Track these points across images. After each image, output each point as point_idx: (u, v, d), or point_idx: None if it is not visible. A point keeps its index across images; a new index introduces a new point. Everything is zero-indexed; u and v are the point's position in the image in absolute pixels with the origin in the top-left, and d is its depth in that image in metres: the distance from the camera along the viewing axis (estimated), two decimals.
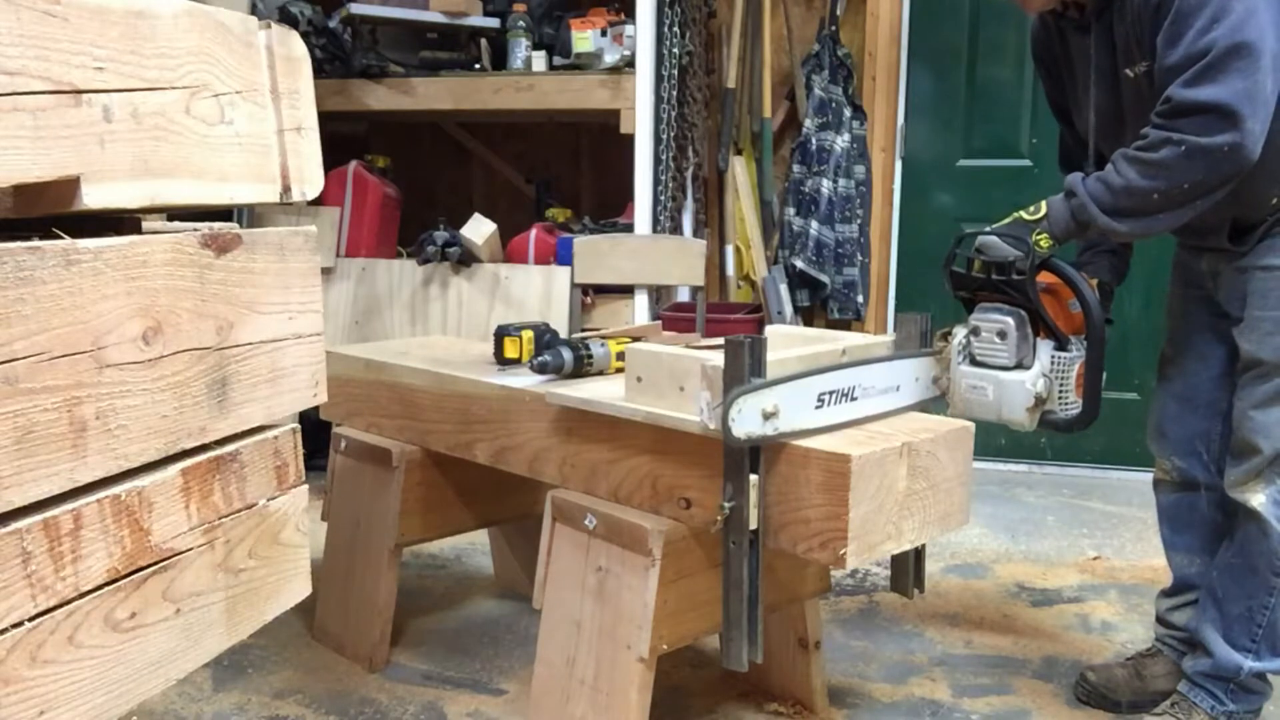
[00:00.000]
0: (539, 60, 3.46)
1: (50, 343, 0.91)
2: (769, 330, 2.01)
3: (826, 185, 3.86)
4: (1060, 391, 1.78)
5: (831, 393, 1.58)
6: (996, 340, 1.77)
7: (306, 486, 1.31)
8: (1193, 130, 1.61)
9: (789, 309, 3.88)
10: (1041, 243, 1.75)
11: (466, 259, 3.44)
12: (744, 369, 1.49)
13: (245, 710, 2.10)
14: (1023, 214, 1.80)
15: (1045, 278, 1.80)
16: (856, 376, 1.62)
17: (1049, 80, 2.05)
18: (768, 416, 1.49)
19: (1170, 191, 1.65)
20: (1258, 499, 1.84)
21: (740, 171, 3.99)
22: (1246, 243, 1.83)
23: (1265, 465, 1.83)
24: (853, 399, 1.61)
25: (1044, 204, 1.79)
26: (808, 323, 3.97)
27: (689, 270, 2.99)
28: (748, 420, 1.47)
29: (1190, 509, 2.08)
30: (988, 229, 1.80)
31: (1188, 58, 1.61)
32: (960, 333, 1.82)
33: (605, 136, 3.75)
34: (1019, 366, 1.77)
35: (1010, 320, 1.76)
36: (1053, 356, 1.78)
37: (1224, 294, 1.91)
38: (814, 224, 3.88)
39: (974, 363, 1.81)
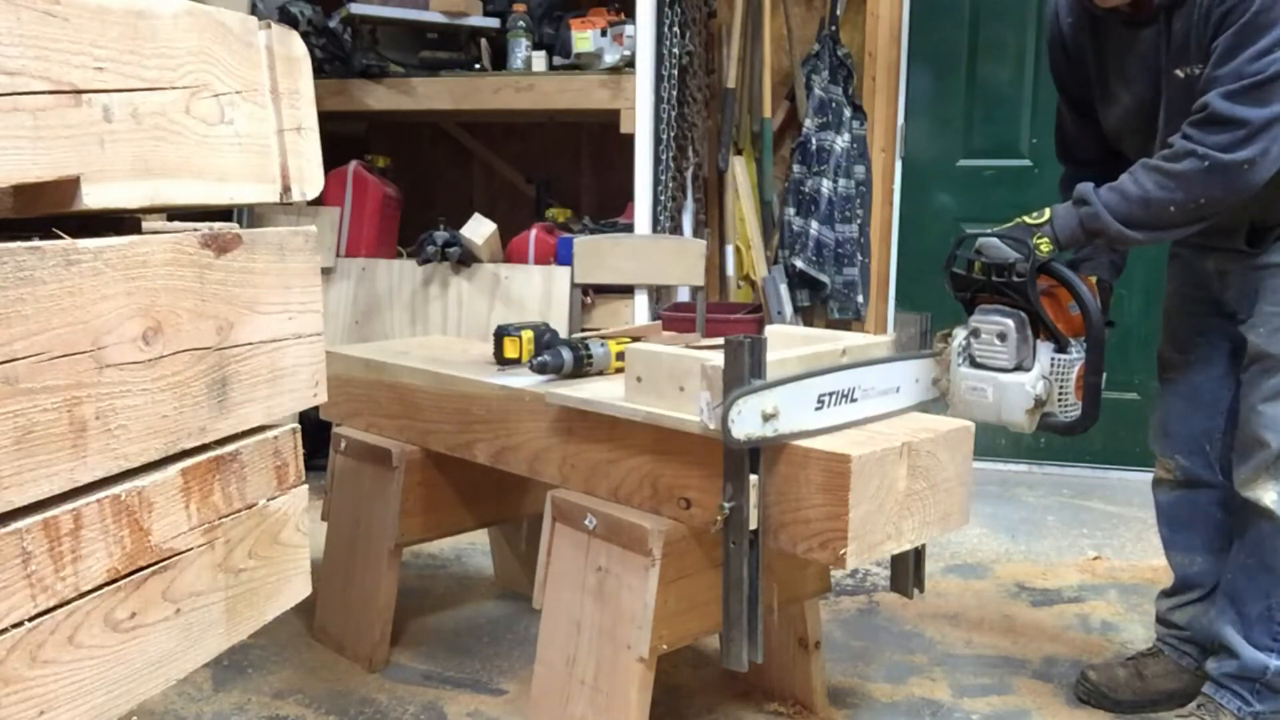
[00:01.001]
0: (539, 60, 3.46)
1: (50, 343, 0.91)
2: (769, 330, 2.00)
3: (826, 185, 3.86)
4: (1060, 394, 1.77)
5: (831, 394, 1.58)
6: (996, 342, 1.77)
7: (306, 486, 1.31)
8: (1218, 145, 1.62)
9: (789, 309, 3.88)
10: (1042, 247, 1.74)
11: (466, 259, 3.44)
12: (744, 369, 1.49)
13: (245, 710, 2.10)
14: (1026, 218, 1.80)
15: (1044, 280, 1.79)
16: (856, 378, 1.62)
17: (1071, 70, 1.98)
18: (767, 418, 1.49)
19: (1186, 205, 1.66)
20: (1269, 496, 1.83)
21: (740, 171, 3.99)
22: (1262, 244, 1.83)
23: (1274, 460, 1.82)
24: (853, 400, 1.61)
25: (1049, 210, 1.79)
26: (808, 323, 3.96)
27: (689, 270, 2.99)
28: (747, 421, 1.47)
29: (1191, 507, 2.07)
30: (989, 231, 1.80)
31: (1238, 72, 1.61)
32: (960, 334, 1.81)
33: (605, 136, 3.74)
34: (1019, 369, 1.76)
35: (1010, 322, 1.75)
36: (1052, 359, 1.77)
37: (1232, 293, 1.90)
38: (814, 224, 3.88)
39: (974, 364, 1.80)
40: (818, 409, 1.56)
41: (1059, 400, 1.78)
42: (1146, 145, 1.80)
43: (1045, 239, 1.75)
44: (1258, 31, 1.60)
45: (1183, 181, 1.65)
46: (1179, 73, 1.74)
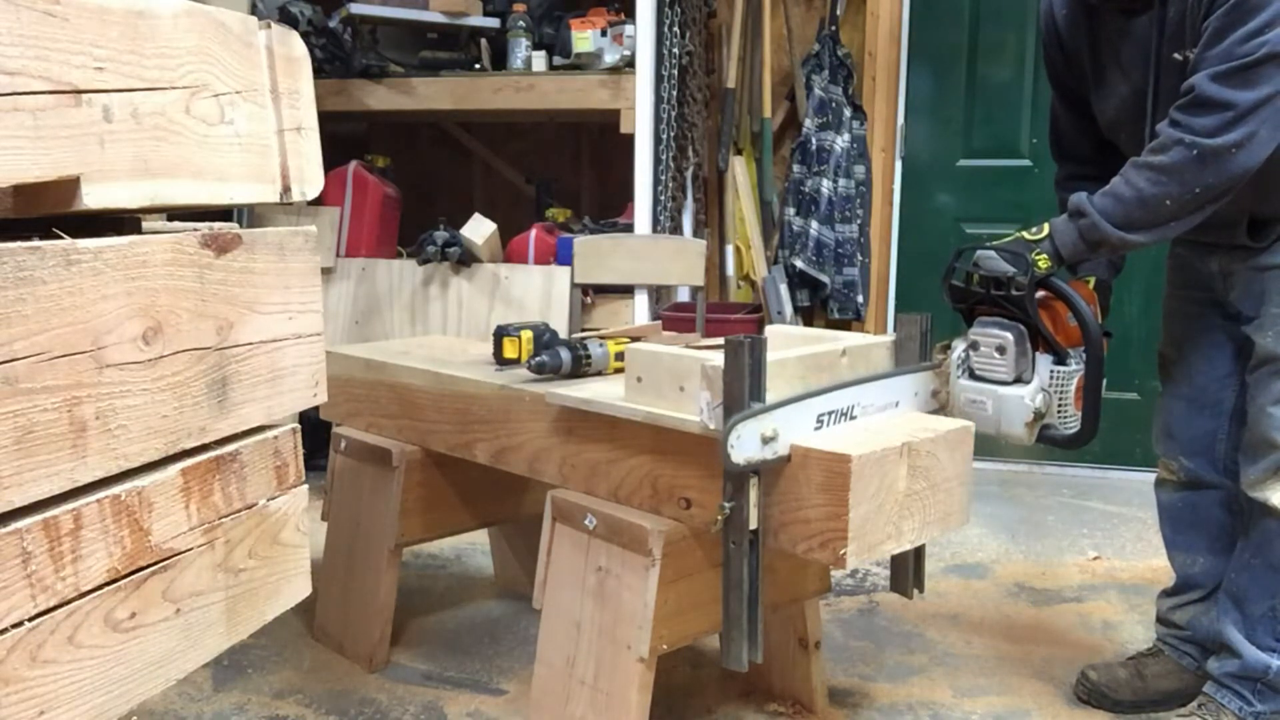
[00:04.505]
0: (539, 60, 3.46)
1: (50, 343, 0.91)
2: (769, 330, 2.00)
3: (826, 185, 3.86)
4: (1059, 406, 1.77)
5: (831, 413, 1.58)
6: (995, 355, 1.76)
7: (306, 486, 1.31)
8: (1205, 129, 1.60)
9: (789, 309, 3.88)
10: (1040, 263, 1.73)
11: (466, 259, 3.44)
12: (744, 370, 1.49)
13: (245, 710, 2.10)
14: (1025, 234, 1.79)
15: (1042, 292, 1.78)
16: (856, 395, 1.62)
17: (1066, 64, 1.97)
18: (767, 440, 1.49)
19: (1182, 197, 1.64)
20: (1279, 497, 1.83)
21: (740, 171, 3.99)
22: (1265, 239, 1.82)
23: None
24: (851, 418, 1.61)
25: (1047, 225, 1.78)
26: (808, 323, 3.97)
27: (689, 270, 2.99)
28: (747, 446, 1.47)
29: (1194, 508, 2.07)
30: (987, 245, 1.79)
31: (1227, 54, 1.59)
32: (959, 346, 1.81)
33: (605, 136, 3.75)
34: (1018, 381, 1.76)
35: (1009, 335, 1.74)
36: (1051, 371, 1.76)
37: (1237, 293, 1.89)
38: (814, 224, 3.89)
39: (973, 377, 1.79)
40: (817, 428, 1.56)
41: (1058, 412, 1.77)
42: (1144, 134, 1.79)
43: (1044, 255, 1.74)
44: (1249, 13, 1.58)
45: (1174, 173, 1.63)
46: (1176, 56, 1.72)
